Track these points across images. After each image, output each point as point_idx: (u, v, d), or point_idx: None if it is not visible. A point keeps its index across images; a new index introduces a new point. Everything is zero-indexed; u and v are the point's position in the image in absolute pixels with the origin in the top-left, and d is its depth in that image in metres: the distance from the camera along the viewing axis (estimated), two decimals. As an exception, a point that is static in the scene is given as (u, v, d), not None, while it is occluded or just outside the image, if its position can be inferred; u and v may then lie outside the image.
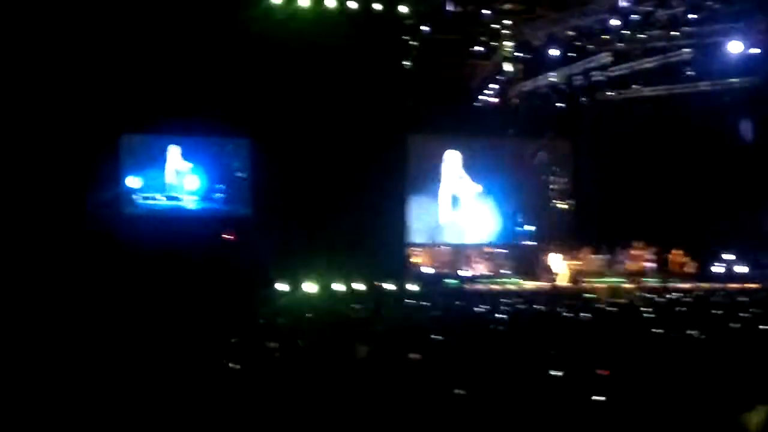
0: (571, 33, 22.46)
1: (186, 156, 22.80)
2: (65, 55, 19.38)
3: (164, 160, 22.69)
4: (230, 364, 8.10)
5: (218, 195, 22.94)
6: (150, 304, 12.59)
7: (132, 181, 22.19)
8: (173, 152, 22.72)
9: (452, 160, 26.19)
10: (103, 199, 20.40)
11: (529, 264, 24.88)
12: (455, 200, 26.11)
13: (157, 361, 7.90)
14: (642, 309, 14.87)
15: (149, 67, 20.13)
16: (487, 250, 24.77)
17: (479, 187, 26.14)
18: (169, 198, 22.63)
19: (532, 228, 25.88)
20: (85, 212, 19.41)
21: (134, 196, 22.33)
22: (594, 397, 6.69)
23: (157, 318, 10.98)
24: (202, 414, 6.21)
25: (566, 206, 26.52)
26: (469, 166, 26.23)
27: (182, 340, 9.28)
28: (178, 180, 22.75)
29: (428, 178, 25.83)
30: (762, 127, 23.67)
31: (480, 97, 25.37)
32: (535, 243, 25.64)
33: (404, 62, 23.13)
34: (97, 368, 7.53)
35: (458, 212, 26.03)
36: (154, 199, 22.53)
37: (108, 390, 6.68)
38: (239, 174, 22.88)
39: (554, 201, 26.42)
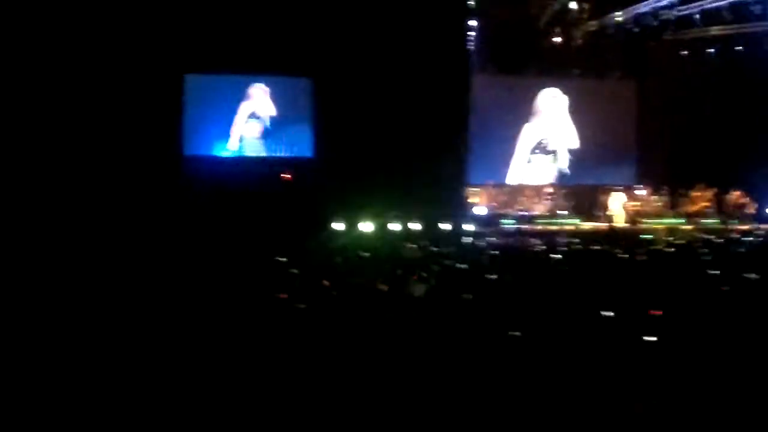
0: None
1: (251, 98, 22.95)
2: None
3: (228, 102, 22.81)
4: (289, 303, 8.27)
5: (280, 139, 23.08)
6: (212, 248, 12.79)
7: (194, 124, 22.33)
8: (255, 89, 22.98)
9: (553, 100, 26.00)
10: (167, 141, 20.59)
11: (588, 204, 24.75)
12: (543, 144, 25.95)
13: (220, 296, 8.10)
14: (700, 250, 14.81)
15: (212, 5, 20.17)
16: (545, 189, 24.60)
17: (574, 139, 25.99)
18: (241, 140, 22.83)
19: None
20: (147, 154, 19.58)
21: (200, 138, 22.53)
22: (646, 338, 6.74)
23: (219, 260, 11.19)
24: (261, 345, 6.37)
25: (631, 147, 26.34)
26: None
27: (245, 279, 9.48)
28: (246, 123, 22.90)
29: (499, 118, 25.60)
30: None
31: (546, 36, 25.09)
32: (595, 183, 25.51)
33: (468, 2, 22.95)
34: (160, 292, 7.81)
35: (538, 155, 25.82)
36: (223, 141, 22.72)
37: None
38: (303, 116, 22.96)
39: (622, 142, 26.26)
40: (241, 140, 22.89)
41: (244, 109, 22.90)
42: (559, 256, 13.54)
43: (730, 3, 22.45)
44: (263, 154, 23.00)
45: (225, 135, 22.77)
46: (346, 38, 20.85)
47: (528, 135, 25.70)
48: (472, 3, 23.04)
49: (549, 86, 25.78)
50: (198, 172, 20.99)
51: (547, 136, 25.80)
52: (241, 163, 22.52)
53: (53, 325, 6.86)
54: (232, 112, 22.82)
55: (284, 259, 11.59)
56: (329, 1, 20.67)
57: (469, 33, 23.41)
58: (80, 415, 5.16)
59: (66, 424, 5.10)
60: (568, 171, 25.75)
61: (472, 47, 23.64)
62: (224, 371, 5.85)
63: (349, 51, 20.98)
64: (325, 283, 9.31)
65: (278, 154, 23.02)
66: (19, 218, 16.30)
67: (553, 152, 25.81)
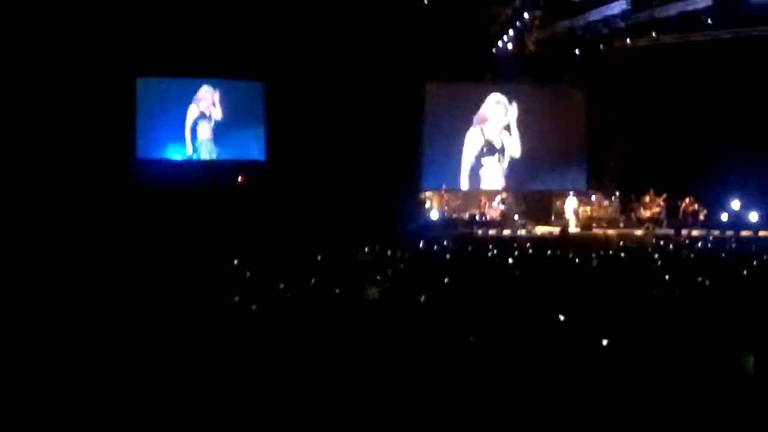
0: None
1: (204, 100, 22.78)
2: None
3: (180, 106, 22.64)
4: (243, 305, 8.20)
5: (232, 142, 22.96)
6: (164, 248, 12.70)
7: (147, 127, 22.15)
8: (203, 92, 22.77)
9: (497, 106, 26.06)
10: (120, 144, 20.39)
11: (540, 209, 24.89)
12: (489, 149, 25.97)
13: (173, 302, 8.01)
14: (653, 256, 14.94)
15: (164, 9, 20.00)
16: (499, 194, 24.70)
17: (516, 147, 26.07)
18: (194, 143, 22.67)
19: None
20: (99, 157, 19.36)
21: (153, 142, 22.35)
22: (603, 341, 6.76)
23: (171, 262, 11.09)
24: (216, 350, 6.31)
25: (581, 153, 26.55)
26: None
27: (196, 282, 9.40)
28: (197, 126, 22.74)
29: (451, 124, 25.65)
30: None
31: (498, 43, 25.18)
32: (546, 188, 25.66)
33: (422, 7, 22.96)
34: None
35: (486, 160, 25.85)
36: (176, 145, 22.54)
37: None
38: (254, 120, 22.86)
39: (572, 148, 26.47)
40: (193, 143, 22.73)
41: (195, 112, 22.74)
42: (512, 260, 13.56)
43: (680, 12, 22.63)
44: (215, 157, 22.86)
45: (177, 138, 22.59)
46: (298, 42, 20.80)
47: (475, 140, 25.80)
48: (425, 9, 23.03)
49: (495, 92, 25.94)
50: (150, 175, 20.79)
51: (494, 141, 25.92)
52: (193, 166, 22.37)
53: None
54: (184, 115, 22.66)
55: (237, 262, 11.53)
56: (281, 5, 20.58)
57: (421, 39, 23.45)
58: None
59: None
60: (516, 176, 25.88)
61: (425, 53, 23.65)
62: (177, 372, 5.79)
63: (301, 55, 20.94)
64: (280, 286, 9.25)
65: (230, 158, 22.90)
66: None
67: (501, 158, 25.93)
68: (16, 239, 14.36)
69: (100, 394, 5.36)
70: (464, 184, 25.63)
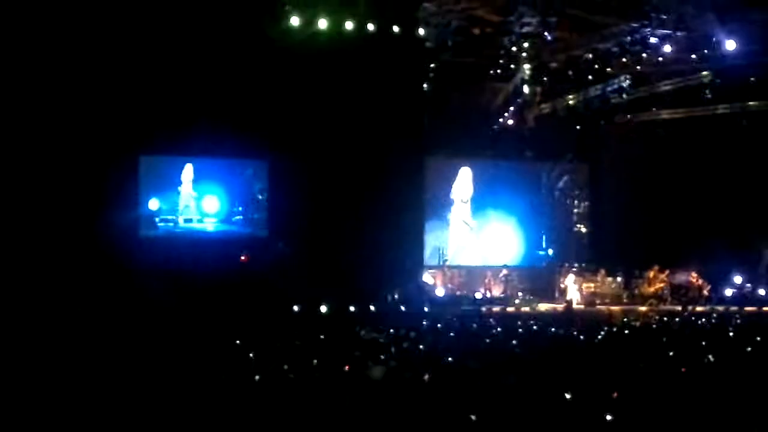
0: (589, 56, 22.48)
1: (206, 178, 22.84)
2: (83, 78, 19.43)
3: (181, 183, 22.78)
4: (247, 383, 8.18)
5: (237, 217, 23.01)
6: (167, 325, 12.69)
7: (152, 204, 22.27)
8: (188, 170, 22.84)
9: (464, 177, 26.10)
10: (122, 221, 20.41)
11: (545, 286, 24.84)
12: (490, 225, 26.04)
13: (176, 377, 7.99)
14: (657, 332, 14.88)
15: (168, 90, 20.20)
16: (503, 272, 24.69)
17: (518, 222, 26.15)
18: (187, 221, 22.73)
19: (549, 250, 26.03)
20: (103, 234, 19.39)
21: (154, 219, 22.41)
22: (608, 418, 6.73)
23: (175, 338, 11.07)
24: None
25: (584, 229, 26.62)
26: (486, 186, 26.10)
27: (201, 359, 9.37)
28: (197, 202, 22.81)
29: (444, 200, 25.74)
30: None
31: (499, 119, 25.39)
32: (551, 265, 25.63)
33: (423, 85, 23.17)
34: (115, 385, 7.65)
35: (471, 234, 25.90)
36: (174, 221, 22.59)
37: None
38: (258, 196, 22.95)
39: (575, 224, 26.56)
40: (195, 220, 22.79)
41: (198, 190, 22.84)
42: (516, 340, 13.47)
43: (680, 88, 22.90)
44: (217, 232, 22.90)
45: (180, 214, 22.68)
46: (298, 121, 20.96)
47: (475, 217, 25.89)
48: (427, 86, 23.27)
49: (494, 168, 26.04)
50: (153, 253, 20.77)
51: (495, 217, 25.99)
52: (196, 241, 22.37)
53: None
54: (187, 192, 22.78)
55: (239, 342, 11.50)
56: (284, 87, 20.76)
57: (422, 117, 23.60)
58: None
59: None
60: (519, 252, 25.94)
61: (426, 131, 23.76)
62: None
63: (302, 133, 21.09)
64: (284, 366, 9.23)
65: (233, 232, 22.93)
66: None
67: (502, 234, 25.98)
68: (27, 313, 14.50)
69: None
70: (467, 261, 25.62)
